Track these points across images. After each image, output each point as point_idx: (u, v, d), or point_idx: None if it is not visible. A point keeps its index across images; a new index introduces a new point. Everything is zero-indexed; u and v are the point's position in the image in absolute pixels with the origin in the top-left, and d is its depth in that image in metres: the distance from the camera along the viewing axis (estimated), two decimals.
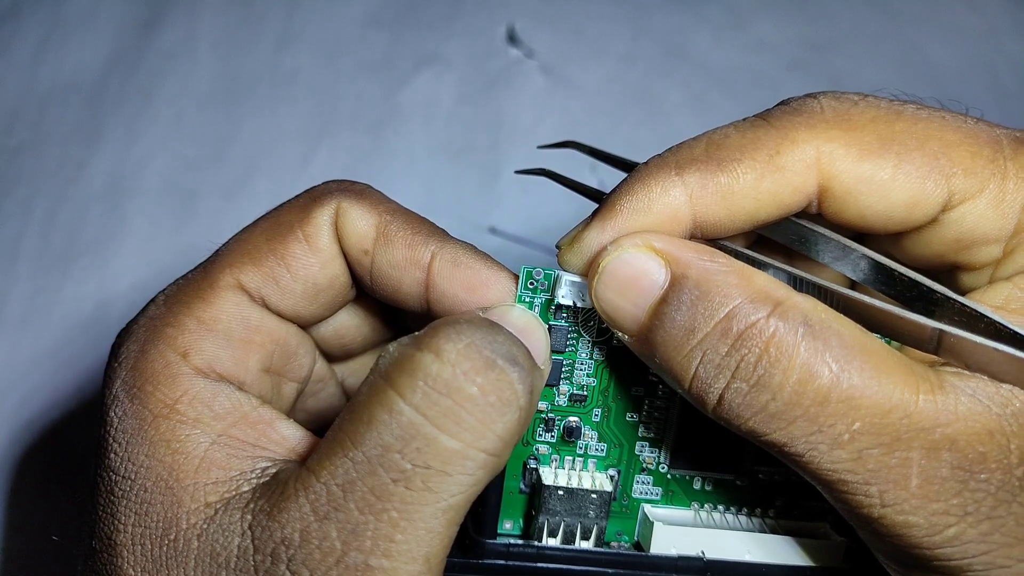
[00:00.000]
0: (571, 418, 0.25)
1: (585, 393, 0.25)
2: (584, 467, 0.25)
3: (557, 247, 0.22)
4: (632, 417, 0.25)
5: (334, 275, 0.23)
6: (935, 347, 0.18)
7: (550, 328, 0.24)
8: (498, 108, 0.56)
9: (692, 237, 0.21)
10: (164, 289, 0.23)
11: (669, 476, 0.26)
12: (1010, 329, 0.18)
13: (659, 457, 0.26)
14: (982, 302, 0.19)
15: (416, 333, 0.20)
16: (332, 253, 0.23)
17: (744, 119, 0.21)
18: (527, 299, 0.24)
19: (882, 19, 0.60)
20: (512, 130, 0.55)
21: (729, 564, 0.25)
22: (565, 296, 0.23)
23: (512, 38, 0.59)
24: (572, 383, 0.25)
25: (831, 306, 0.19)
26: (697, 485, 0.26)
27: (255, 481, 0.20)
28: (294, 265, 0.22)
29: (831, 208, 0.20)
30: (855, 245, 0.21)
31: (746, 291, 0.18)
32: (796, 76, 0.57)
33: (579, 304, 0.23)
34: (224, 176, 0.54)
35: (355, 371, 0.27)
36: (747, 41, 0.59)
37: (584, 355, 0.24)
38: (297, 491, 0.19)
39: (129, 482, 0.20)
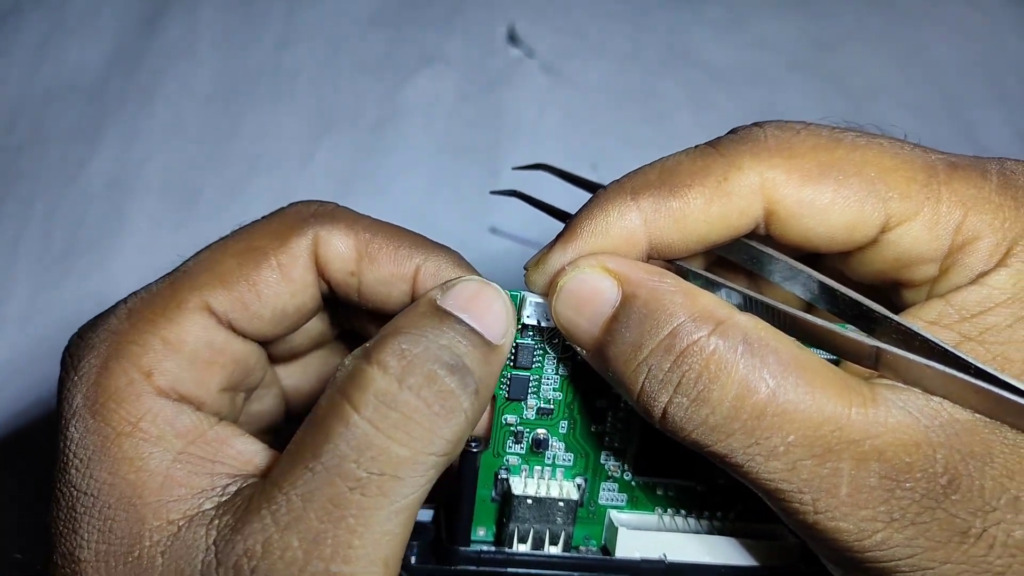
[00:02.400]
0: (539, 430, 0.26)
1: (551, 407, 0.26)
2: (552, 476, 0.26)
3: (524, 268, 0.23)
4: (596, 428, 0.26)
5: (303, 302, 0.23)
6: (874, 363, 0.20)
7: (517, 347, 0.25)
8: (499, 107, 0.56)
9: (650, 259, 0.22)
10: (126, 300, 0.23)
11: (633, 483, 0.27)
12: (940, 347, 0.19)
13: (623, 466, 0.27)
14: (917, 318, 0.20)
15: (367, 344, 0.21)
16: (305, 283, 0.23)
17: (695, 147, 0.22)
18: None
19: (883, 18, 0.60)
20: (513, 129, 0.55)
21: (689, 566, 0.26)
22: (530, 316, 0.24)
23: (513, 37, 0.59)
24: (539, 397, 0.26)
25: (779, 325, 0.20)
26: (660, 491, 0.27)
27: (216, 499, 0.21)
28: (265, 293, 0.22)
29: (777, 230, 0.21)
30: (801, 266, 0.22)
31: (690, 310, 0.20)
32: (796, 75, 0.57)
33: (543, 323, 0.24)
34: (225, 174, 0.54)
35: (294, 373, 0.28)
36: (748, 40, 0.59)
37: (550, 371, 0.25)
38: (259, 504, 0.20)
39: (92, 499, 0.21)
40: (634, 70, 0.58)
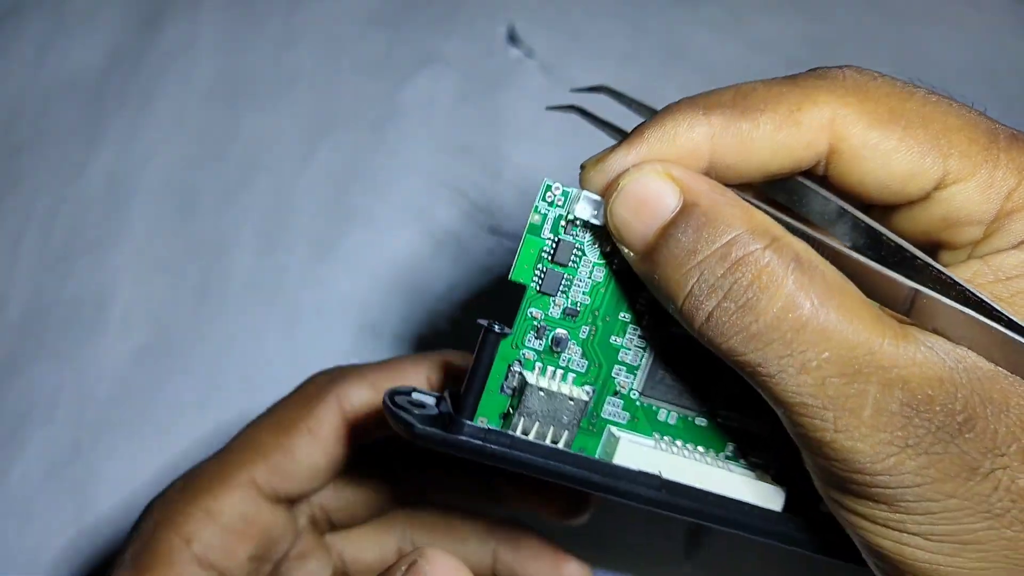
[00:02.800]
0: (560, 330, 0.26)
1: (578, 309, 0.26)
2: (563, 379, 0.27)
3: (581, 167, 0.23)
4: (616, 341, 0.27)
5: (334, 457, 0.27)
6: (908, 308, 0.20)
7: (558, 242, 0.25)
8: (498, 107, 0.56)
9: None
10: (184, 473, 0.27)
11: (639, 403, 0.27)
12: (977, 296, 0.20)
13: (633, 383, 0.27)
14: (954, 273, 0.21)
15: (402, 567, 0.23)
16: (334, 439, 0.26)
17: (773, 78, 0.23)
18: (543, 211, 0.25)
19: (882, 17, 0.60)
20: (512, 129, 0.55)
21: (684, 487, 0.26)
22: (583, 210, 0.24)
23: (512, 38, 0.59)
24: (568, 298, 0.26)
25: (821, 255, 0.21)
26: (662, 416, 0.28)
27: None
28: (299, 454, 0.26)
29: (836, 170, 0.22)
30: (850, 208, 0.22)
31: (748, 223, 0.20)
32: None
33: (592, 221, 0.24)
34: (225, 174, 0.54)
35: (355, 540, 0.30)
36: (747, 40, 0.59)
37: (585, 274, 0.26)
38: None
39: None
40: (633, 70, 0.58)
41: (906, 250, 0.21)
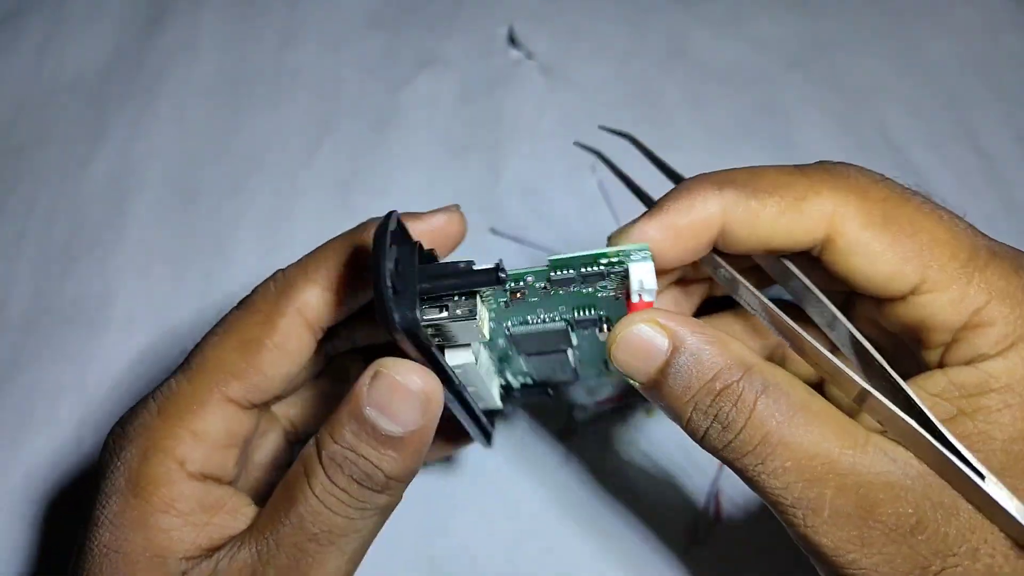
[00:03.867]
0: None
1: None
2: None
3: (609, 239, 0.27)
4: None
5: (302, 362, 0.28)
6: (860, 403, 0.24)
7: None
8: (498, 107, 0.56)
9: (713, 249, 0.26)
10: (154, 396, 0.28)
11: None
12: (919, 406, 0.23)
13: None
14: (921, 388, 0.24)
15: (319, 434, 0.26)
16: (301, 349, 0.28)
17: (784, 165, 0.26)
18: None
19: (881, 16, 0.60)
20: (512, 129, 0.55)
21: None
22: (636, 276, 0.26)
23: (512, 39, 0.59)
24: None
25: (782, 334, 0.25)
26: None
27: (226, 552, 0.27)
28: (271, 372, 0.28)
29: (829, 257, 0.25)
30: (827, 302, 0.25)
31: (726, 359, 0.24)
32: (795, 74, 0.57)
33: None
34: (227, 173, 0.54)
35: (294, 404, 0.33)
36: (746, 39, 0.59)
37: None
38: (249, 544, 0.26)
39: (122, 556, 0.26)
40: (633, 70, 0.58)
41: (867, 348, 0.24)
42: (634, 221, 0.26)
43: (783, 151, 0.54)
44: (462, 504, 0.42)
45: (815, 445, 0.23)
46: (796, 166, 0.25)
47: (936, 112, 0.55)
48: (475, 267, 0.25)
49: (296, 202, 0.53)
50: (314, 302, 0.28)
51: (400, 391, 0.25)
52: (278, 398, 0.31)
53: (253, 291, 0.29)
